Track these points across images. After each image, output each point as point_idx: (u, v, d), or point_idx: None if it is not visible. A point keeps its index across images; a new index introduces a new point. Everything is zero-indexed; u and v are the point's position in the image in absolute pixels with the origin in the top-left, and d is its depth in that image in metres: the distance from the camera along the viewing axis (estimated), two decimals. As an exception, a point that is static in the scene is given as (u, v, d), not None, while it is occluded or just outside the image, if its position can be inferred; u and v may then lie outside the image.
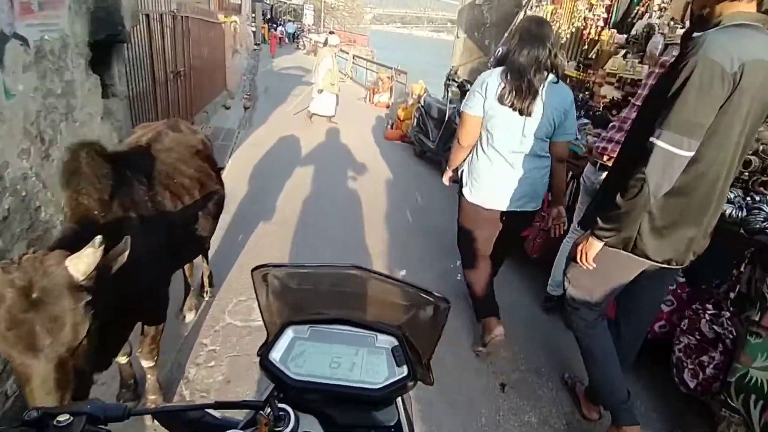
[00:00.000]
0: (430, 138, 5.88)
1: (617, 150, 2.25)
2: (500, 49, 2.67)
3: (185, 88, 6.34)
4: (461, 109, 2.27)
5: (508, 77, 2.10)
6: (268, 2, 34.21)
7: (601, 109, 3.03)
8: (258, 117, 8.70)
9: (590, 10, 3.69)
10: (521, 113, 2.11)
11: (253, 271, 0.85)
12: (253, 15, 28.18)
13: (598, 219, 1.66)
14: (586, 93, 3.35)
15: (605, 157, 2.39)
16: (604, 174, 2.36)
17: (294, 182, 5.15)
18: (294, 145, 6.72)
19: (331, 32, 9.39)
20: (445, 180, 2.68)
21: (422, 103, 6.20)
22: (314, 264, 0.95)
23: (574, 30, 3.89)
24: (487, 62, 6.93)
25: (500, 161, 2.24)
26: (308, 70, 17.17)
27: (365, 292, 0.92)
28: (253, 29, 27.06)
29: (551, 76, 2.18)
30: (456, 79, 7.83)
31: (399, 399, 0.86)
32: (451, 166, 2.58)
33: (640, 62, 2.92)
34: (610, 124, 2.42)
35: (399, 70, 11.09)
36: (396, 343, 0.82)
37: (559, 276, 2.82)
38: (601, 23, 3.69)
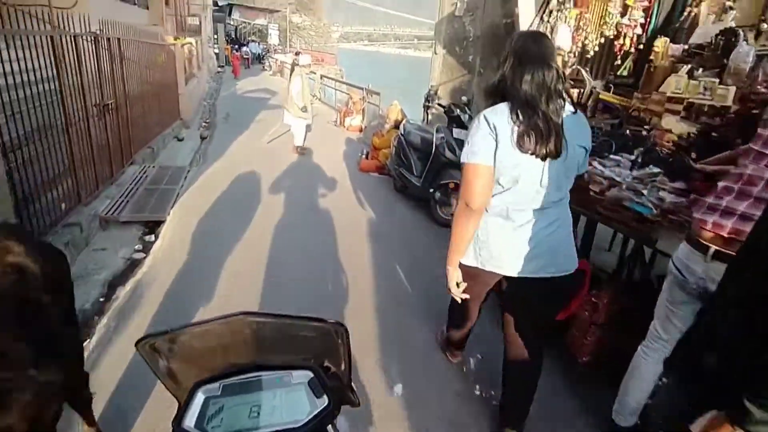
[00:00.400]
0: (414, 172, 4.98)
1: (744, 229, 1.40)
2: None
3: (118, 124, 5.29)
4: (464, 160, 1.71)
5: (519, 114, 1.64)
6: (231, 23, 33.36)
7: (672, 149, 2.17)
8: (214, 149, 7.66)
9: (625, 15, 2.89)
10: (544, 158, 1.65)
11: (137, 345, 0.80)
12: (216, 36, 27.22)
13: (751, 406, 0.85)
14: (645, 127, 2.46)
15: (714, 235, 1.51)
16: (716, 265, 1.50)
17: (250, 240, 4.14)
18: (253, 185, 5.72)
19: (298, 53, 8.50)
20: (454, 287, 1.89)
21: (402, 131, 5.33)
22: (200, 321, 0.88)
23: (602, 40, 3.08)
24: (472, 81, 6.18)
25: (513, 217, 1.76)
26: (274, 92, 16.25)
27: (268, 334, 0.89)
28: (216, 51, 26.10)
29: (568, 105, 1.72)
30: (437, 101, 7.02)
31: (330, 428, 0.82)
32: (455, 251, 1.83)
33: (721, 82, 2.10)
34: (721, 185, 1.55)
35: (371, 91, 10.26)
36: (311, 375, 0.83)
37: (633, 402, 1.91)
38: (638, 30, 2.88)
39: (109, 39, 4.92)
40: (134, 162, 5.90)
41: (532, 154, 1.63)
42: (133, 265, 3.72)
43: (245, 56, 27.21)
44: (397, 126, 6.41)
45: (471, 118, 4.61)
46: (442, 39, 6.81)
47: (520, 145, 1.62)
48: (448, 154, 4.43)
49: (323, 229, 4.50)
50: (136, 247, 4.02)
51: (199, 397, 0.80)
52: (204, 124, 10.32)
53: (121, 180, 5.24)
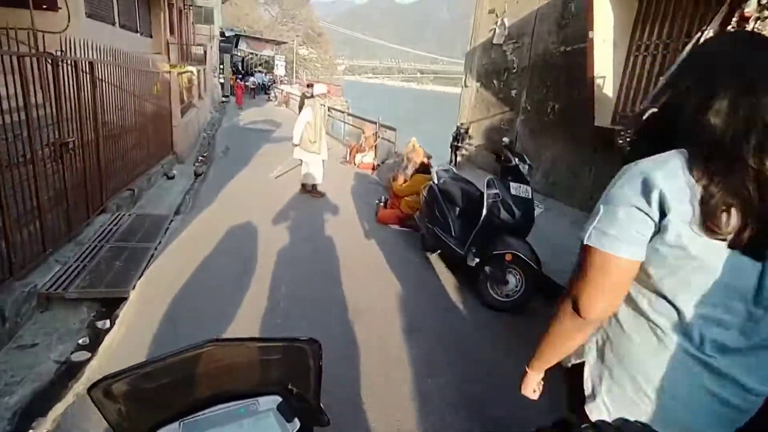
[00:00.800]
0: (453, 233, 3.92)
1: None
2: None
3: (84, 165, 4.27)
4: (590, 242, 0.96)
5: (707, 170, 0.89)
6: (238, 54, 33.26)
7: None
8: (209, 190, 6.66)
9: None
10: (755, 251, 0.88)
11: (90, 391, 0.73)
12: (221, 66, 26.85)
13: None
14: None
15: None
16: None
17: (240, 326, 3.05)
18: (248, 241, 4.65)
19: (310, 84, 7.71)
20: (529, 392, 1.24)
21: (436, 179, 4.30)
22: (163, 355, 0.77)
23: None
24: (515, 119, 5.18)
25: (692, 356, 0.96)
26: (278, 124, 15.48)
27: (234, 362, 0.84)
28: (221, 81, 25.66)
29: None
30: (469, 140, 6.05)
31: None
32: (544, 360, 1.17)
33: None
34: None
35: (385, 125, 9.36)
36: (280, 399, 0.80)
37: None
38: None
39: (75, 62, 3.97)
40: (106, 210, 4.87)
41: (733, 245, 0.88)
42: (68, 373, 2.62)
43: (252, 86, 26.89)
44: (422, 170, 5.41)
45: (531, 168, 3.59)
46: (475, 70, 5.88)
47: (710, 226, 0.89)
48: (504, 216, 3.39)
49: (335, 308, 3.40)
50: (81, 340, 2.93)
51: None
52: (201, 158, 9.39)
53: (84, 235, 4.19)
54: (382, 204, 5.73)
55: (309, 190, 6.61)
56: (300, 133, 6.15)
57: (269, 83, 29.35)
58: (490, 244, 3.45)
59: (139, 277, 3.58)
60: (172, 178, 7.30)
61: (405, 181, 5.55)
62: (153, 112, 7.16)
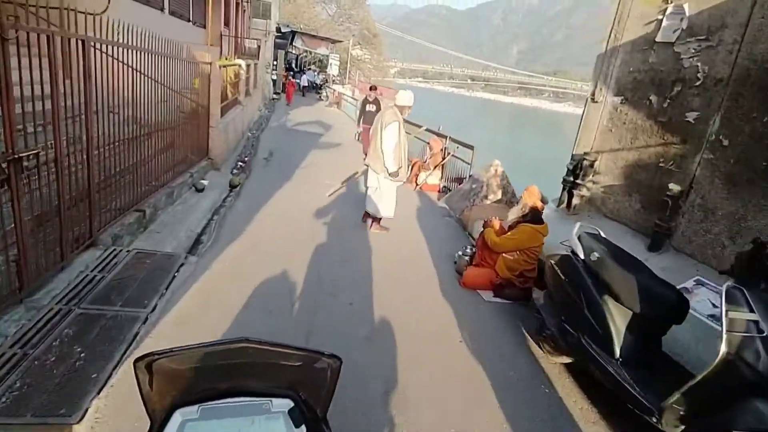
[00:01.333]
0: (618, 356, 2.30)
1: None
2: None
3: (60, 188, 2.96)
4: None
5: None
6: (293, 52, 32.62)
7: None
8: (240, 212, 5.33)
9: None
10: None
11: (135, 363, 0.78)
12: (275, 62, 26.07)
13: None
14: None
15: None
16: None
17: None
18: (280, 310, 3.20)
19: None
20: None
21: (581, 254, 2.64)
22: (201, 343, 0.85)
23: None
24: (691, 157, 3.38)
25: None
26: (328, 126, 14.22)
27: (257, 361, 0.89)
28: (274, 77, 24.85)
29: None
30: (592, 176, 4.35)
31: None
32: None
33: None
34: None
35: (457, 141, 7.77)
36: (292, 404, 0.82)
37: None
38: None
39: (48, 37, 2.64)
40: (96, 243, 3.57)
41: None
42: None
43: (304, 84, 26.08)
44: (531, 218, 3.77)
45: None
46: (612, 80, 4.15)
47: None
48: (764, 365, 1.74)
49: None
50: None
51: (176, 419, 0.78)
52: (240, 164, 8.14)
53: (46, 291, 2.88)
54: (466, 258, 4.14)
55: (374, 223, 5.16)
56: (392, 159, 4.70)
57: (322, 82, 28.38)
58: (722, 411, 1.80)
59: (101, 388, 2.18)
60: (202, 190, 6.03)
61: (503, 230, 3.94)
62: (186, 111, 5.93)
